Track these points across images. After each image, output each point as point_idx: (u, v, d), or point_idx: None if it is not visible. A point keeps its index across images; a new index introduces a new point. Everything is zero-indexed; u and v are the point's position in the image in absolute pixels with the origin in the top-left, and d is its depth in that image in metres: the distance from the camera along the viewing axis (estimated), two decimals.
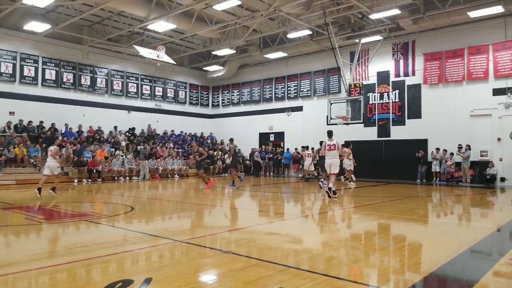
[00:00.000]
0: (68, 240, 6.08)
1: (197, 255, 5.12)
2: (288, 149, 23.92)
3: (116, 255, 5.05)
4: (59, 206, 10.16)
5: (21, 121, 19.12)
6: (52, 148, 11.71)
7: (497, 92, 17.15)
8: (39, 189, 11.20)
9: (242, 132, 26.29)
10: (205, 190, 13.97)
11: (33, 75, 19.94)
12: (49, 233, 6.78)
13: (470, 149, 17.21)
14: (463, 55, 18.05)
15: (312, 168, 19.22)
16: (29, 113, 19.44)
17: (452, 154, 17.75)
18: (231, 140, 17.79)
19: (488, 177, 16.84)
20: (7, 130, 18.40)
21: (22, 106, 19.30)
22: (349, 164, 16.55)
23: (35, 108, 19.68)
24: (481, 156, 17.39)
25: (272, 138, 25.53)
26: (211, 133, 28.06)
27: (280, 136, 25.03)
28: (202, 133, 27.41)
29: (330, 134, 12.10)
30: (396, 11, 16.21)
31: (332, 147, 11.71)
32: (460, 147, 17.40)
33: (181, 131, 26.12)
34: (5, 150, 16.98)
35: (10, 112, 19.09)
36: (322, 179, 15.77)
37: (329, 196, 11.20)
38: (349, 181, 16.57)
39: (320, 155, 15.27)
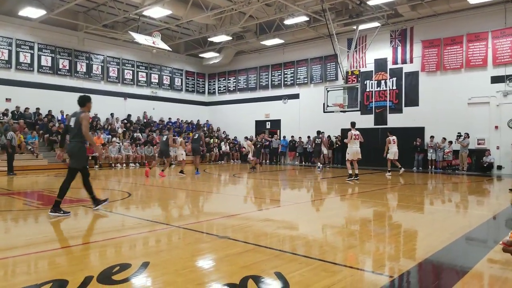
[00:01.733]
0: (66, 225, 6.10)
1: (194, 240, 5.15)
2: (284, 137, 23.92)
3: (113, 239, 5.09)
4: (56, 192, 10.15)
5: (17, 108, 19.02)
6: (180, 140, 15.21)
7: (495, 80, 17.13)
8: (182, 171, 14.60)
9: (238, 119, 26.27)
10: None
11: (29, 61, 19.79)
12: (47, 219, 6.79)
13: (468, 137, 17.23)
14: (461, 42, 17.98)
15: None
16: (26, 100, 19.34)
17: (450, 142, 17.78)
18: (199, 126, 18.51)
19: (485, 165, 16.90)
20: (4, 117, 18.30)
21: (18, 92, 19.21)
22: (394, 152, 15.53)
23: (32, 95, 19.58)
24: (478, 144, 17.45)
25: (268, 125, 25.50)
26: (207, 120, 28.00)
27: (276, 123, 25.01)
28: (198, 120, 27.35)
29: (353, 124, 13.24)
30: None
31: (357, 137, 13.04)
32: (459, 135, 17.39)
33: (178, 119, 26.05)
34: (2, 137, 16.90)
35: (6, 99, 18.99)
36: (319, 165, 16.96)
37: (351, 179, 12.90)
38: (400, 168, 15.56)
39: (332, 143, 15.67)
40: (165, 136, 14.56)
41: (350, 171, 13.03)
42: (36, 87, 19.89)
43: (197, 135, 15.54)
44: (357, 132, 13.15)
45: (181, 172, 14.60)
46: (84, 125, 6.58)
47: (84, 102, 6.83)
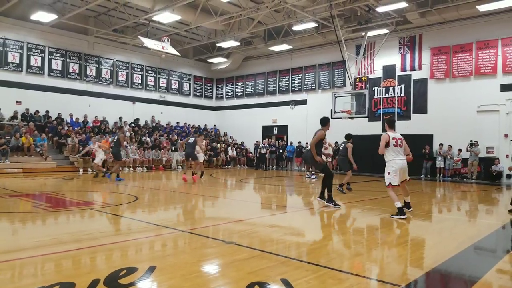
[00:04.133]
0: (73, 228, 6.13)
1: (200, 245, 5.14)
2: (291, 143, 23.88)
3: (120, 243, 5.10)
4: (64, 194, 10.24)
5: (27, 110, 19.23)
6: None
7: (505, 87, 16.98)
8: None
9: (246, 124, 26.30)
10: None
11: (39, 65, 20.02)
12: (55, 221, 6.84)
13: (478, 145, 17.08)
14: (471, 49, 17.88)
15: (101, 163, 16.01)
16: (36, 102, 19.55)
17: (460, 150, 17.62)
18: (121, 127, 16.42)
19: (494, 174, 16.72)
20: (14, 120, 18.51)
21: (28, 95, 19.42)
22: None
23: (42, 98, 19.79)
24: (487, 152, 17.27)
25: (275, 131, 25.49)
26: (214, 125, 28.08)
27: (283, 129, 25.00)
28: (205, 125, 27.43)
29: (391, 123, 8.27)
30: (403, 4, 16.06)
31: (399, 143, 7.72)
32: (471, 143, 17.20)
33: (185, 123, 26.14)
34: (12, 139, 17.11)
35: (17, 102, 19.20)
36: (308, 172, 16.46)
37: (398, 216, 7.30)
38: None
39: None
40: (192, 139, 13.77)
41: (398, 203, 7.38)
42: (46, 90, 20.11)
43: (116, 138, 14.17)
44: (398, 135, 7.83)
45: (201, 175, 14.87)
46: (313, 139, 8.39)
47: (325, 122, 8.63)
